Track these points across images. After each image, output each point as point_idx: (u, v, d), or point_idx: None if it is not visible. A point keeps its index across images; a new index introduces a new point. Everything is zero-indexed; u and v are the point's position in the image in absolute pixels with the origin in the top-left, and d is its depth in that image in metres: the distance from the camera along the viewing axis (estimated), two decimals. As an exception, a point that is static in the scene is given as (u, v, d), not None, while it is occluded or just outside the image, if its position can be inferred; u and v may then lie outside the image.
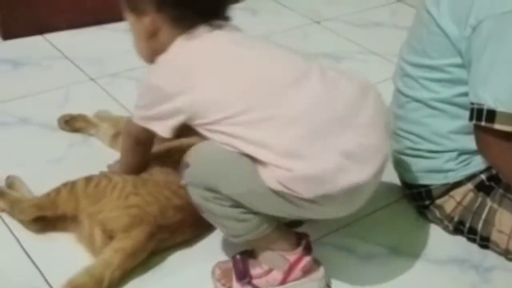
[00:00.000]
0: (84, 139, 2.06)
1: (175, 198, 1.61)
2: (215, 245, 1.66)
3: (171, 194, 1.61)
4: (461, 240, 1.75)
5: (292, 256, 1.51)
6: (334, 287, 1.60)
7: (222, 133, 1.38)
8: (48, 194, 1.64)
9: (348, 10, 3.09)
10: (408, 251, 1.72)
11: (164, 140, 1.72)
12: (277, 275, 1.52)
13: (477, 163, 1.68)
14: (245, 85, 1.39)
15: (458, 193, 1.70)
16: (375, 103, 1.44)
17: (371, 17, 3.05)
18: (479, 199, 1.68)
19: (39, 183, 1.81)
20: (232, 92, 1.38)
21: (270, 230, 1.46)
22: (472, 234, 1.72)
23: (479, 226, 1.69)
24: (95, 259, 1.55)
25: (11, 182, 1.80)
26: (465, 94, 1.58)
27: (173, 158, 1.62)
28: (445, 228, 1.77)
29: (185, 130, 1.47)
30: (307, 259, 1.52)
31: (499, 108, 1.49)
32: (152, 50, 1.46)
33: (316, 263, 1.57)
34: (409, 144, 1.74)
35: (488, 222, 1.68)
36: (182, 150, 1.48)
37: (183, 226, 1.62)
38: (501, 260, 1.70)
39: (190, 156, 1.44)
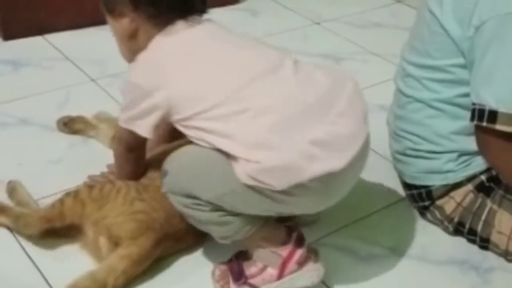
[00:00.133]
0: (84, 139, 2.06)
1: None
2: (217, 250, 1.65)
3: None
4: (461, 241, 1.75)
5: (284, 251, 1.50)
6: (334, 287, 1.60)
7: (197, 128, 1.40)
8: (53, 206, 1.61)
9: (348, 11, 3.09)
10: (408, 251, 1.72)
11: (160, 143, 1.73)
12: (272, 271, 1.51)
13: (477, 164, 1.68)
14: (218, 79, 1.41)
15: (458, 194, 1.70)
16: (352, 94, 1.45)
17: (371, 17, 3.05)
18: (479, 200, 1.68)
19: (39, 183, 1.81)
20: (205, 87, 1.40)
21: (256, 229, 1.46)
22: (472, 235, 1.72)
23: (479, 227, 1.69)
24: (100, 264, 1.54)
25: (12, 188, 1.78)
26: (467, 95, 1.58)
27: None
28: (445, 229, 1.77)
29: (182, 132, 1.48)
30: (300, 252, 1.51)
31: (501, 108, 1.49)
32: (133, 51, 1.49)
33: (312, 252, 1.55)
34: (409, 144, 1.74)
35: (488, 223, 1.68)
36: None
37: (188, 234, 1.60)
38: (501, 261, 1.70)
39: (168, 164, 1.46)
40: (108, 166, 1.81)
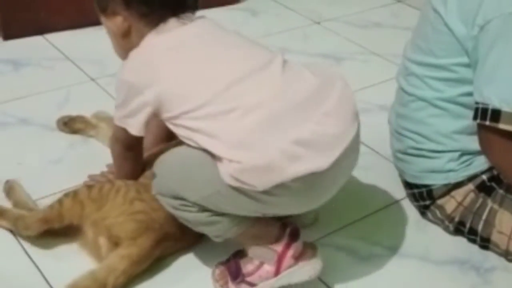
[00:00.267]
0: (84, 139, 2.06)
1: None
2: (217, 250, 1.65)
3: None
4: (461, 240, 1.75)
5: (278, 247, 1.49)
6: (334, 287, 1.60)
7: (185, 127, 1.40)
8: (51, 207, 1.60)
9: (349, 10, 3.09)
10: (408, 251, 1.72)
11: (158, 143, 1.72)
12: (268, 268, 1.51)
13: (479, 164, 1.68)
14: (206, 78, 1.41)
15: (459, 194, 1.70)
16: (341, 94, 1.44)
17: (372, 17, 3.05)
18: (480, 200, 1.68)
19: (39, 183, 1.81)
20: (192, 85, 1.40)
21: (246, 227, 1.46)
22: (472, 235, 1.72)
23: (480, 226, 1.69)
24: (100, 264, 1.54)
25: (10, 187, 1.77)
26: (470, 94, 1.58)
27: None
28: (446, 229, 1.77)
29: None
30: (295, 246, 1.50)
31: (504, 108, 1.49)
32: (127, 49, 1.50)
33: (309, 247, 1.54)
34: (411, 143, 1.74)
35: (489, 223, 1.68)
36: None
37: (187, 234, 1.59)
38: (501, 261, 1.70)
39: (157, 166, 1.46)
40: (108, 165, 1.81)
